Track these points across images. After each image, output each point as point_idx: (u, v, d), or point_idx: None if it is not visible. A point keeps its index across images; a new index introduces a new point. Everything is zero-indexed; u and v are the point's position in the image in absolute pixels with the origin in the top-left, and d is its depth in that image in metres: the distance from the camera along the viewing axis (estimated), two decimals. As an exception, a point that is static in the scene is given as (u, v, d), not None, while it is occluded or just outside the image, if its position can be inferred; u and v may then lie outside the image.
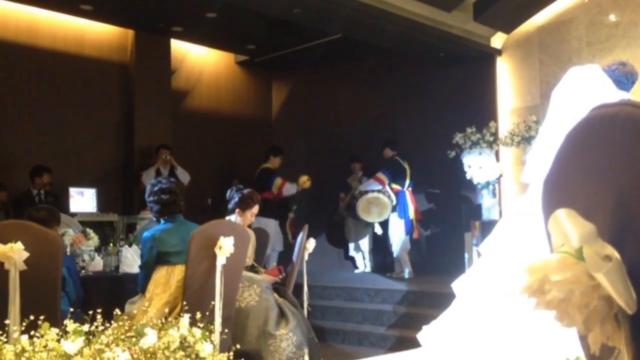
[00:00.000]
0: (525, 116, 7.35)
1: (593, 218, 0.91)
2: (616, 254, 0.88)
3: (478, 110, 7.80)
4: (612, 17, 6.94)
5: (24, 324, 2.32)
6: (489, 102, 7.92)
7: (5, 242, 2.86)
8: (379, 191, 7.63)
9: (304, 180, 7.75)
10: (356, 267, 8.54)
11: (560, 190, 1.03)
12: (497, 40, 7.95)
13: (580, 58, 6.85)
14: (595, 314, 0.89)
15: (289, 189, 7.73)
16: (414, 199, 7.78)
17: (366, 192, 7.69)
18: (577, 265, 0.89)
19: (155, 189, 3.98)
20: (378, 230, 8.04)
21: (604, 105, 0.98)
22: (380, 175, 7.67)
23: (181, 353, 2.33)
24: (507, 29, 7.84)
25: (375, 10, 6.56)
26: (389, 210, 7.62)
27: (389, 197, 7.59)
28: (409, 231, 7.64)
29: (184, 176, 8.00)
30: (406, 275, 7.57)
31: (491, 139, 7.28)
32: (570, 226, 0.90)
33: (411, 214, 7.67)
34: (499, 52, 7.94)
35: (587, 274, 0.88)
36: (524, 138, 7.07)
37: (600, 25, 7.02)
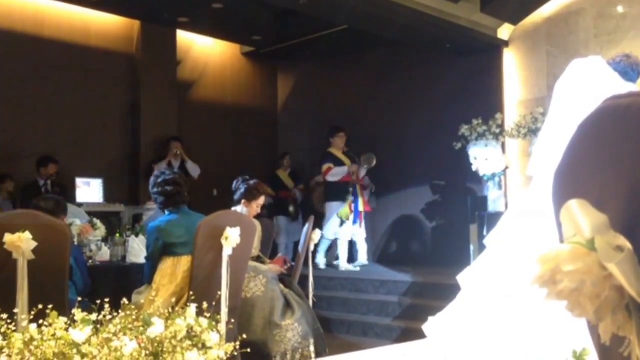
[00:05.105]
0: (532, 108, 7.33)
1: (605, 209, 0.90)
2: (628, 245, 0.88)
3: (484, 101, 7.77)
4: (620, 9, 6.89)
5: (33, 313, 2.33)
6: (496, 93, 7.89)
7: (13, 232, 2.87)
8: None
9: (367, 159, 7.70)
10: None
11: (573, 180, 1.03)
12: (504, 31, 7.91)
13: (588, 50, 6.81)
14: (606, 304, 0.89)
15: (334, 174, 7.67)
16: (363, 192, 7.91)
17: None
18: (589, 255, 0.89)
19: (159, 180, 3.98)
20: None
21: (617, 96, 0.97)
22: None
23: (188, 342, 2.34)
24: (514, 21, 7.80)
25: (381, 1, 6.54)
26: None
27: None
28: (355, 222, 7.75)
29: (194, 170, 8.06)
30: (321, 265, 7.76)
31: (497, 130, 7.26)
32: (582, 217, 0.90)
33: (361, 206, 7.80)
34: (506, 43, 7.90)
35: (599, 264, 0.88)
36: (531, 130, 7.05)
37: (608, 16, 6.98)
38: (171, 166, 7.83)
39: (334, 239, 7.76)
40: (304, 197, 8.89)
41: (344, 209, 7.64)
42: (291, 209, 8.71)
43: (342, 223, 7.68)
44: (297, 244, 7.96)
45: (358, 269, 7.66)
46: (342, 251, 7.83)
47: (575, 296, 0.89)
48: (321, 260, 7.80)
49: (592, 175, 0.99)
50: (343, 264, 7.76)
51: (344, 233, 7.75)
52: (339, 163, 7.71)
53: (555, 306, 0.96)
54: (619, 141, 0.94)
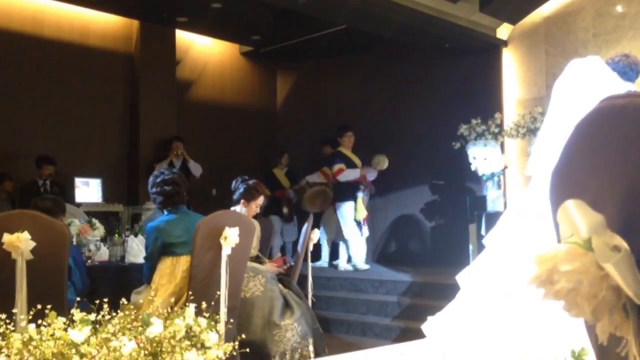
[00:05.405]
0: (531, 108, 7.32)
1: (602, 209, 0.91)
2: (625, 245, 0.88)
3: (483, 101, 7.78)
4: (619, 9, 6.89)
5: (32, 313, 2.33)
6: (495, 93, 7.89)
7: (12, 232, 2.87)
8: (326, 184, 7.84)
9: (379, 161, 7.64)
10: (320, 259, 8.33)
11: (570, 181, 1.03)
12: (504, 31, 7.91)
13: (587, 49, 6.81)
14: (603, 305, 0.89)
15: (347, 175, 7.58)
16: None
17: (315, 184, 7.93)
18: (586, 256, 0.89)
19: (158, 180, 3.98)
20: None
21: (613, 97, 0.97)
22: (326, 169, 7.89)
23: (187, 342, 2.33)
24: (514, 20, 7.80)
25: (380, 1, 6.54)
26: (329, 205, 7.83)
27: (332, 191, 7.78)
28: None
29: (196, 169, 8.05)
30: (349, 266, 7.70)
31: (497, 130, 7.25)
32: (580, 217, 0.90)
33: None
34: (505, 43, 7.90)
35: (596, 264, 0.88)
36: (530, 130, 7.04)
37: (608, 16, 6.98)
38: (173, 166, 7.82)
39: (357, 236, 7.65)
40: (299, 198, 8.85)
41: (360, 209, 7.57)
42: (285, 210, 8.63)
43: (358, 224, 7.60)
44: (295, 245, 7.94)
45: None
46: (344, 251, 7.84)
47: (573, 296, 0.90)
48: (362, 266, 7.56)
49: (588, 176, 0.99)
50: (343, 264, 7.76)
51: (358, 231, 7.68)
52: (350, 163, 7.66)
53: (554, 306, 0.96)
54: (614, 142, 0.94)
